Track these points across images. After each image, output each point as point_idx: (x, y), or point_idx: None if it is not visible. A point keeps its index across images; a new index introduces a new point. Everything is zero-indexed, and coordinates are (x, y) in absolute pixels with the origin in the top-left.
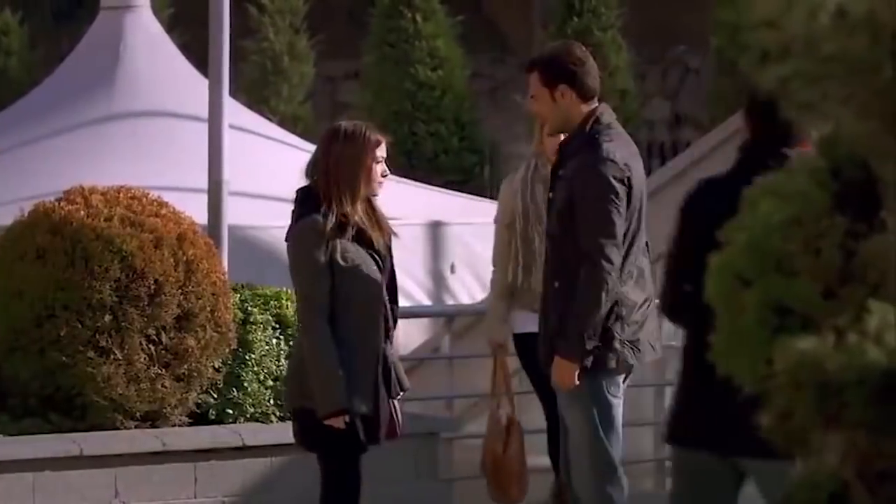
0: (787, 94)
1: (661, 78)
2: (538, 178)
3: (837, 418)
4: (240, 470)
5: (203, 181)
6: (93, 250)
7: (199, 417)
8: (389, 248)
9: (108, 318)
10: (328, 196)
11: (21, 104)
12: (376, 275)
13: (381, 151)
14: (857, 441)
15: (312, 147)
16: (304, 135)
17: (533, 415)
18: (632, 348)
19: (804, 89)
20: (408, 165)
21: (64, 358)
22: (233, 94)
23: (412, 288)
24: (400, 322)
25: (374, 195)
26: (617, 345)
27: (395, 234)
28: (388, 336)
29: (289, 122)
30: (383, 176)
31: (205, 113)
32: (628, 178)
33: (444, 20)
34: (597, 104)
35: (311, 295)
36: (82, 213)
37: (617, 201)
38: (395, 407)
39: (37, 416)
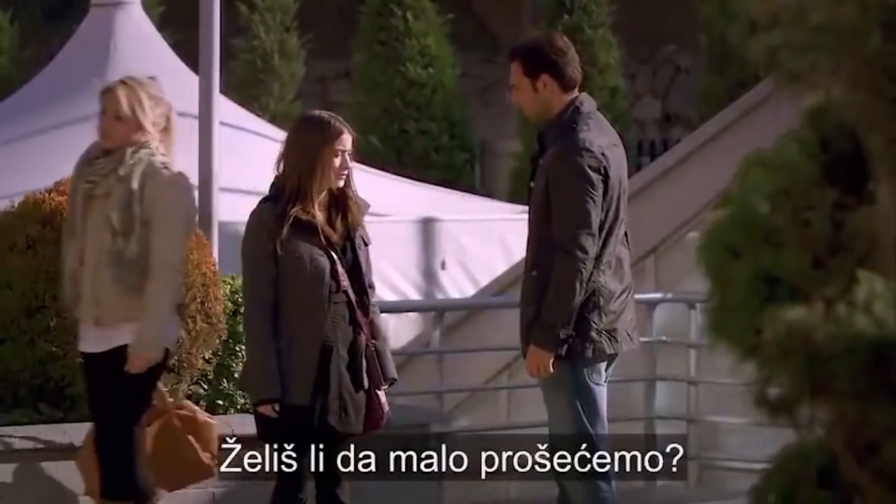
0: (777, 64)
1: (652, 77)
2: None
3: (826, 388)
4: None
5: (194, 176)
6: None
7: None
8: (353, 240)
9: None
10: (286, 186)
11: (11, 101)
12: (321, 266)
13: (342, 144)
14: (846, 411)
15: None
16: None
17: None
18: (609, 337)
19: (793, 59)
20: (398, 163)
21: (54, 349)
22: (223, 92)
23: (403, 284)
24: (391, 317)
25: (334, 187)
26: (594, 334)
27: (360, 225)
28: (358, 327)
29: (279, 121)
30: (343, 169)
31: (196, 109)
32: (605, 168)
33: (434, 18)
34: (577, 94)
35: (250, 284)
36: None
37: (593, 191)
38: (378, 398)
39: (27, 407)
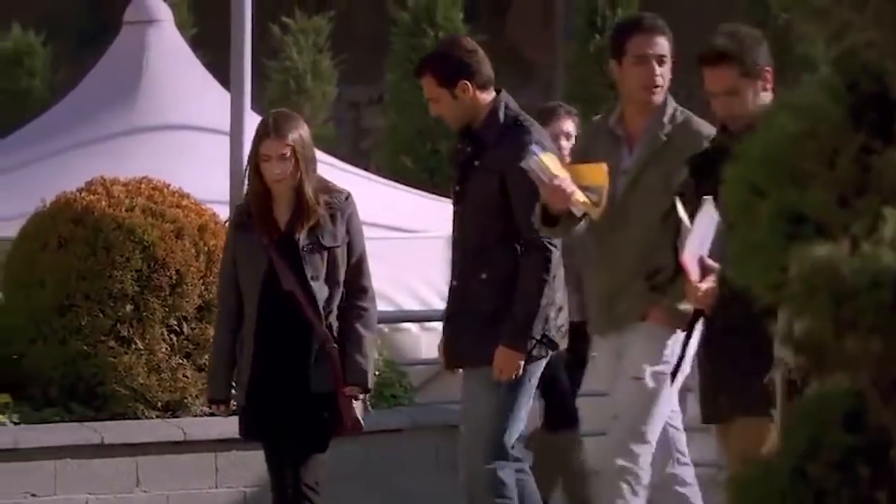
0: (802, 1)
1: (686, 99)
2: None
3: (852, 324)
4: (260, 460)
5: (225, 193)
6: (114, 240)
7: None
8: (306, 240)
9: (129, 307)
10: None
11: (45, 118)
12: (255, 266)
13: (266, 149)
14: (872, 347)
15: (333, 160)
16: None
17: None
18: (564, 334)
19: None
20: (430, 182)
21: (85, 347)
22: (255, 110)
23: (433, 298)
24: (422, 328)
25: (273, 188)
26: (553, 331)
27: (318, 225)
28: (309, 328)
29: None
30: (277, 171)
31: (227, 126)
32: None
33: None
34: (495, 93)
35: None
36: (104, 203)
37: None
38: (345, 402)
39: (58, 406)
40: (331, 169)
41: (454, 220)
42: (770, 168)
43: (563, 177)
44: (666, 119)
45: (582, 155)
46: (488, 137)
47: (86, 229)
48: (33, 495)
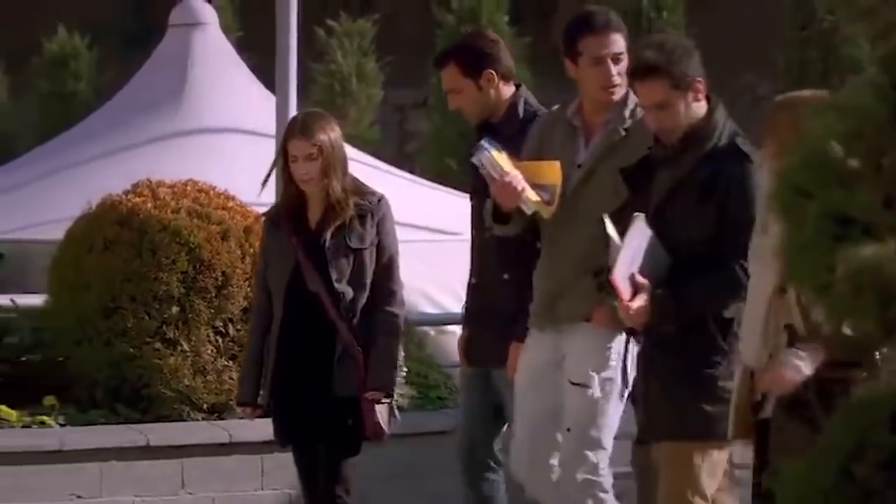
0: (848, 2)
1: (729, 105)
2: None
3: None
4: None
5: (270, 195)
6: (160, 242)
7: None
8: (333, 240)
9: (175, 309)
10: None
11: (90, 120)
12: (284, 265)
13: (293, 149)
14: None
15: (377, 163)
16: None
17: None
18: None
19: None
20: None
21: (131, 349)
22: None
23: None
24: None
25: (303, 188)
26: None
27: (339, 221)
28: (333, 331)
29: (356, 144)
30: (302, 172)
31: (272, 129)
32: None
33: (511, 42)
34: (515, 87)
35: None
36: (149, 205)
37: None
38: (368, 406)
39: (104, 408)
40: (375, 171)
41: (472, 218)
42: (816, 169)
43: (513, 174)
44: (627, 113)
45: (537, 145)
46: (507, 132)
47: (131, 231)
48: (79, 497)
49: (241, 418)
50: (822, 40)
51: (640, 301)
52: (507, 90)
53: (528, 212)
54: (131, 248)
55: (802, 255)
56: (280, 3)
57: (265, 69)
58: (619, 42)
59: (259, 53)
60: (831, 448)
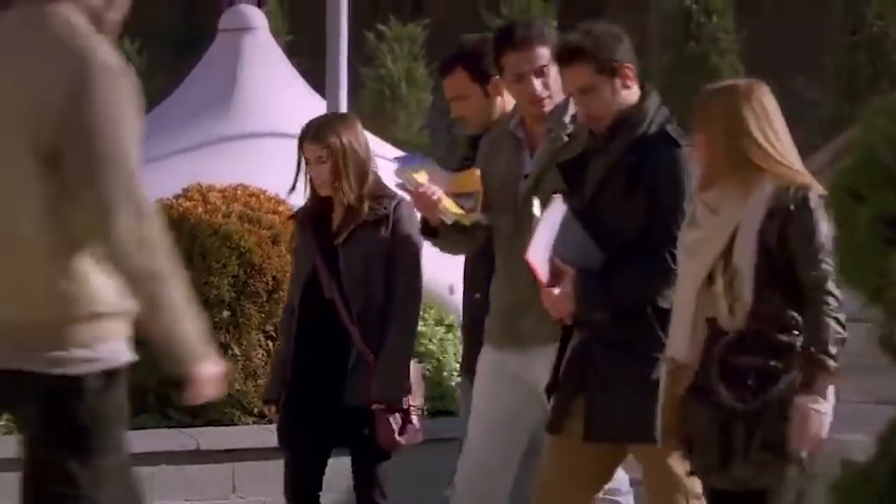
0: None
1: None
2: None
3: None
4: None
5: None
6: (211, 246)
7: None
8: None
9: (225, 313)
10: None
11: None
12: (303, 268)
13: (308, 152)
14: None
15: None
16: None
17: None
18: None
19: None
20: None
21: None
22: None
23: None
24: None
25: (321, 193)
26: None
27: (352, 226)
28: (346, 337)
29: (405, 149)
30: (316, 175)
31: None
32: None
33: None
34: None
35: None
36: (200, 209)
37: None
38: (381, 416)
39: (154, 412)
40: None
41: None
42: (868, 172)
43: (427, 186)
44: (567, 119)
45: (484, 159)
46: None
47: (182, 236)
48: None
49: None
50: (871, 45)
51: (563, 287)
52: (512, 100)
53: (449, 221)
54: (182, 253)
55: (854, 258)
56: (330, 7)
57: (315, 73)
58: (540, 55)
59: (309, 58)
60: (885, 453)
